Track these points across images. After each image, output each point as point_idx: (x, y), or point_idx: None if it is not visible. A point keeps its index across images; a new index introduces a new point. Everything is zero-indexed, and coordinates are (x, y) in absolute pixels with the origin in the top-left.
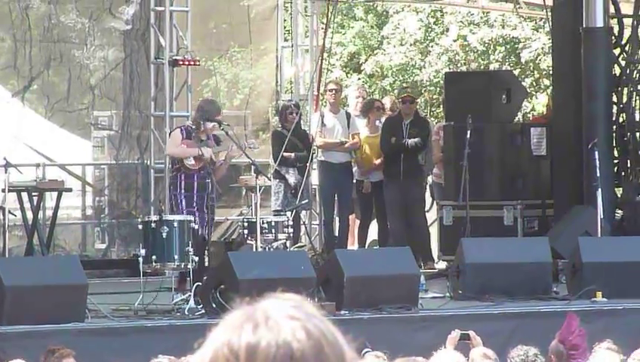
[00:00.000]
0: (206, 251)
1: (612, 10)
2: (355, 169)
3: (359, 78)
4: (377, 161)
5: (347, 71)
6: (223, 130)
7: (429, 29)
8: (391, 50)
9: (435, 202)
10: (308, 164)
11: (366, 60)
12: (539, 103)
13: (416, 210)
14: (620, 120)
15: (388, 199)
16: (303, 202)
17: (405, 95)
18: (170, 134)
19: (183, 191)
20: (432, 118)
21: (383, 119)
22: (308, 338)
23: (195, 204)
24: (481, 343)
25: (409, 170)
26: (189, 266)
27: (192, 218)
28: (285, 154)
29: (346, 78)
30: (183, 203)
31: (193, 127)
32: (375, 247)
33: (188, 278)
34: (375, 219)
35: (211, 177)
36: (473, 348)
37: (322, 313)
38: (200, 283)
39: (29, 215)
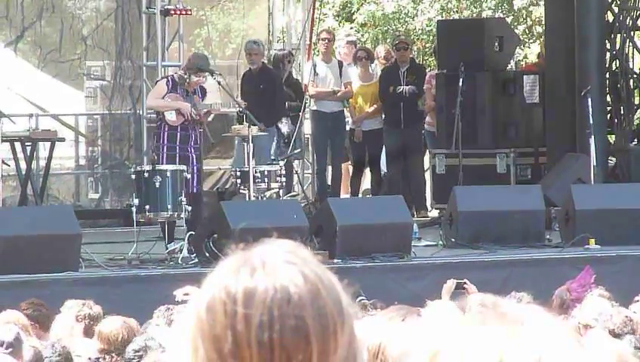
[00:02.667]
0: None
1: None
2: (348, 118)
3: (351, 27)
4: (370, 109)
5: (339, 20)
6: (215, 79)
7: None
8: None
9: (427, 150)
10: (300, 114)
11: (358, 9)
12: (532, 53)
13: (415, 158)
14: (613, 67)
15: (388, 146)
16: (296, 151)
17: (399, 42)
18: (156, 83)
19: (165, 142)
20: (425, 67)
21: (375, 67)
22: (305, 283)
23: (177, 156)
24: (475, 291)
25: (409, 118)
26: (182, 216)
27: (184, 167)
28: None
29: (339, 27)
30: (164, 156)
31: (185, 76)
32: (368, 196)
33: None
34: (368, 168)
35: (196, 129)
36: (471, 295)
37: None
38: (193, 233)
39: (23, 165)
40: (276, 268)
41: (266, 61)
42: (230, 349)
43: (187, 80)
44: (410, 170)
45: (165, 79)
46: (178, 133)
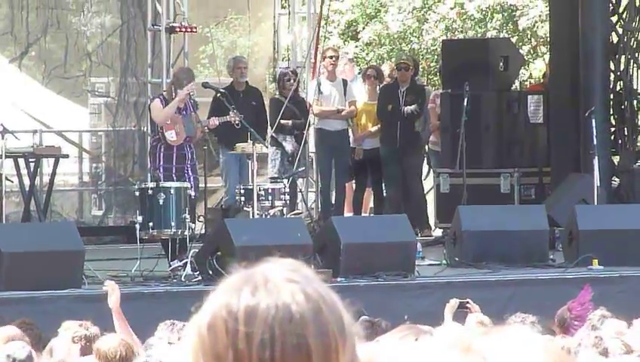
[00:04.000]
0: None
1: None
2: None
3: (356, 46)
4: (373, 129)
5: (344, 39)
6: (219, 97)
7: None
8: (389, 18)
9: (431, 170)
10: (305, 132)
11: (364, 28)
12: (535, 69)
13: (413, 178)
14: (617, 88)
15: (385, 165)
16: (300, 169)
17: (401, 62)
18: (150, 106)
19: (162, 162)
20: (430, 86)
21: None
22: (307, 301)
23: (174, 175)
24: (478, 310)
25: (406, 138)
26: (186, 233)
27: (189, 185)
28: (283, 121)
29: (344, 45)
30: (162, 176)
31: (189, 92)
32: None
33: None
34: (371, 187)
35: (192, 147)
36: (469, 315)
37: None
38: (197, 250)
39: (26, 181)
40: (278, 286)
41: (271, 78)
42: None
43: (173, 94)
44: (408, 189)
45: (157, 99)
46: (174, 154)
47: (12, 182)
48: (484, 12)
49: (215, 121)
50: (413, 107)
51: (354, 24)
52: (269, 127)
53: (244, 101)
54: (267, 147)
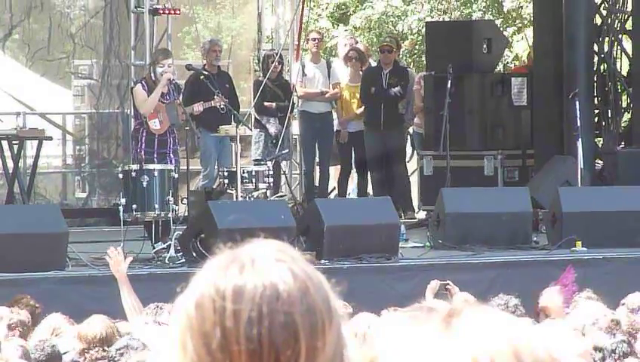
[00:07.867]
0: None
1: None
2: (336, 119)
3: (346, 30)
4: (358, 111)
5: (333, 21)
6: (203, 79)
7: None
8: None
9: (415, 152)
10: (288, 114)
11: (354, 12)
12: (518, 43)
13: (397, 160)
14: (601, 70)
15: (368, 149)
16: (284, 152)
17: (384, 44)
18: (132, 91)
19: (144, 146)
20: (414, 68)
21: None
22: (294, 280)
23: (155, 159)
24: (458, 292)
25: (389, 120)
26: (170, 215)
27: (172, 167)
28: (266, 103)
29: (332, 28)
30: (143, 159)
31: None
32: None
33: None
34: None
35: (174, 131)
36: (455, 295)
37: None
38: (180, 232)
39: (10, 163)
40: (265, 265)
41: (256, 60)
42: (219, 345)
43: (152, 75)
44: (393, 171)
45: (139, 84)
46: (156, 139)
47: None
48: None
49: (200, 107)
50: (397, 89)
51: (343, 7)
52: (252, 109)
53: (218, 84)
54: (251, 129)
